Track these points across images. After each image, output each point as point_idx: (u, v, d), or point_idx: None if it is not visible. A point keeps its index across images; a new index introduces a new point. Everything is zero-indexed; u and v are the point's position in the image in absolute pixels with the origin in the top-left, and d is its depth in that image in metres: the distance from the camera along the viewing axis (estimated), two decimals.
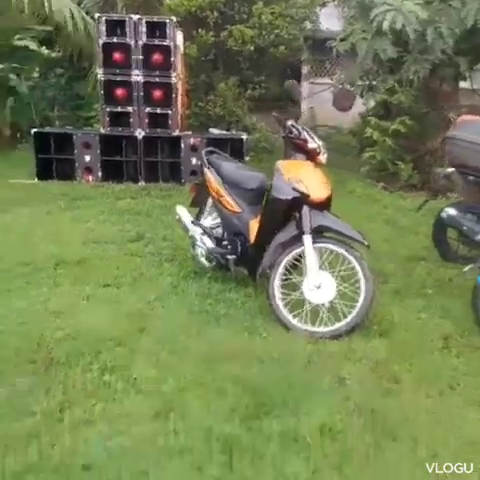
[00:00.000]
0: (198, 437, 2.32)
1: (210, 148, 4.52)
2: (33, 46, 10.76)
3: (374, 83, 7.50)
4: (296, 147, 3.59)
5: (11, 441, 2.27)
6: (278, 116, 3.82)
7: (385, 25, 5.56)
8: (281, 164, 3.62)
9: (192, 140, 7.34)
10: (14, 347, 2.95)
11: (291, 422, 2.43)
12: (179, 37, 7.45)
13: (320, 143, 3.57)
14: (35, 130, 7.61)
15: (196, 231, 4.17)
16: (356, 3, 6.24)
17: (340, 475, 2.17)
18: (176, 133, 7.39)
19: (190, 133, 7.60)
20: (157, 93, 7.39)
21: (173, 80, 7.34)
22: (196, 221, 4.24)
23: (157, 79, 7.35)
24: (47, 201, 6.20)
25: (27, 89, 10.94)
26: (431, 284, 4.12)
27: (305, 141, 3.53)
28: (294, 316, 3.37)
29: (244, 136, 7.39)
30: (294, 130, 3.58)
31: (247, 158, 7.37)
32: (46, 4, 8.50)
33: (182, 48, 7.68)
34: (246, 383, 2.69)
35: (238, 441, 2.30)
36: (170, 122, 7.38)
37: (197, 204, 4.41)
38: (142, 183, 7.27)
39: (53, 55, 11.15)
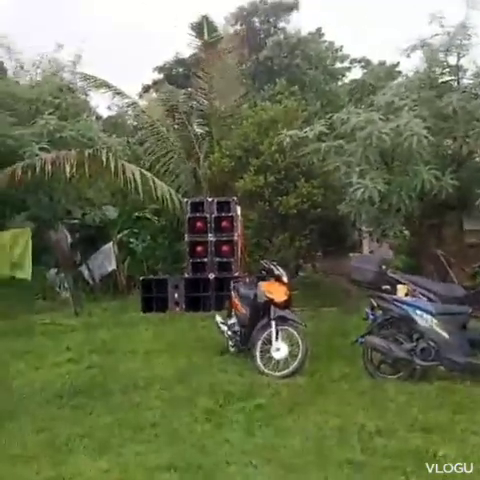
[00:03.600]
0: None
1: (238, 279, 7.89)
2: (147, 217, 15.29)
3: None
4: (269, 274, 6.84)
5: None
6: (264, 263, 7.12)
7: (358, 196, 8.91)
8: (262, 284, 6.85)
9: (247, 279, 10.74)
10: None
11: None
12: (238, 209, 11.30)
13: (282, 271, 6.79)
14: (142, 278, 11.53)
15: (225, 328, 7.38)
16: (343, 184, 9.72)
17: None
18: (237, 274, 10.85)
19: (246, 274, 11.03)
20: (224, 248, 11.10)
21: (235, 239, 11.05)
22: (225, 321, 7.47)
23: (224, 238, 11.10)
24: (148, 323, 9.76)
25: (141, 249, 15.24)
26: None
27: (272, 271, 6.79)
28: (265, 365, 6.34)
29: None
30: (266, 265, 6.87)
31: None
32: (154, 191, 12.86)
33: (240, 216, 11.46)
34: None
35: None
36: (233, 267, 10.94)
37: (228, 312, 7.68)
38: (213, 311, 10.62)
39: (161, 223, 15.57)
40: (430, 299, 6.12)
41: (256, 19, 24.82)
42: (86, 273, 13.54)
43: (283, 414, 5.20)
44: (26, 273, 10.89)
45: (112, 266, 13.68)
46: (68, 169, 10.70)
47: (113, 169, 11.34)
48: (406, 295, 6.17)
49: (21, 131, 11.54)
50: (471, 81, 10.25)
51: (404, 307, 6.00)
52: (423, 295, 6.16)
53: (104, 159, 11.22)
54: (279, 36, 23.39)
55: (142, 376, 6.52)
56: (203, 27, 14.52)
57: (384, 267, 6.40)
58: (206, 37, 14.69)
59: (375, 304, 6.24)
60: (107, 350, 7.84)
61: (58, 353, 7.73)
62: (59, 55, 15.14)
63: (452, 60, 10.27)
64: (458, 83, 10.33)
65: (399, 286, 6.21)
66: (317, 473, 4.08)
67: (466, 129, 9.75)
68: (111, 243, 13.97)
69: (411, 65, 12.86)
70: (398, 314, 6.05)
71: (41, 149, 11.29)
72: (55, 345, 8.25)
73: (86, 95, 15.71)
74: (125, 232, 14.78)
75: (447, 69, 10.37)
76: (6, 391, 6.27)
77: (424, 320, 5.90)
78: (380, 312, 6.23)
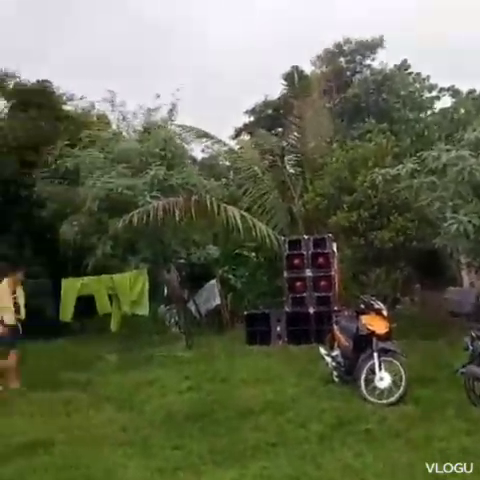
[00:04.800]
0: None
1: (338, 313, 8.48)
2: (246, 253, 16.22)
3: None
4: (368, 307, 7.40)
5: None
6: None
7: (453, 230, 9.27)
8: (363, 317, 7.41)
9: (346, 312, 11.24)
10: None
11: None
12: (334, 246, 11.91)
13: (381, 305, 7.33)
14: (246, 312, 12.37)
15: (329, 359, 7.97)
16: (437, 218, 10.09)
17: None
18: (335, 308, 11.38)
19: (344, 308, 11.52)
20: (322, 283, 11.71)
21: (332, 274, 11.64)
22: (328, 353, 8.06)
23: (321, 274, 11.73)
24: (254, 355, 10.52)
25: (240, 284, 16.13)
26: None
27: (372, 305, 7.34)
28: (369, 394, 6.86)
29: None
30: (366, 299, 7.44)
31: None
32: (253, 231, 13.74)
33: (336, 252, 12.05)
34: None
35: None
36: (331, 301, 11.50)
37: (330, 344, 8.27)
38: (314, 343, 11.16)
39: (259, 260, 16.43)
40: None
41: (342, 59, 25.66)
42: (193, 308, 14.59)
43: (391, 438, 5.70)
44: (144, 310, 12.13)
45: (216, 301, 14.67)
46: (177, 214, 11.86)
47: (216, 212, 12.37)
48: None
49: (135, 182, 12.91)
50: None
51: None
52: None
53: (208, 203, 12.29)
54: (365, 73, 24.06)
55: (256, 402, 7.23)
56: (294, 76, 15.51)
57: None
58: (296, 85, 15.66)
59: (474, 335, 6.60)
60: (221, 379, 8.66)
61: (179, 382, 8.63)
62: (157, 103, 16.70)
63: None
64: None
65: None
66: None
67: None
68: (214, 280, 14.99)
69: None
70: None
71: (152, 197, 12.58)
72: (175, 375, 9.17)
73: (187, 144, 17.06)
74: (225, 269, 15.80)
75: None
76: (141, 414, 7.24)
77: None
78: None
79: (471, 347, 6.62)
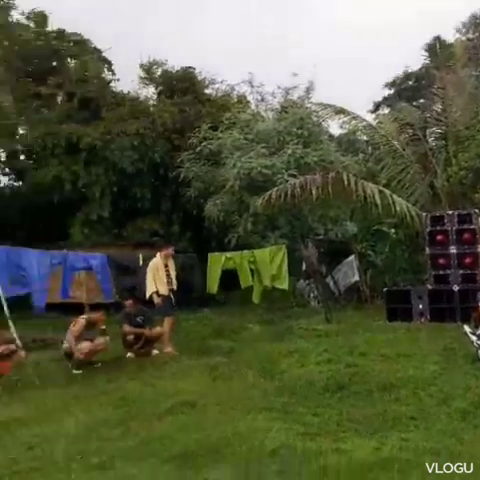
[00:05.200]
0: None
1: None
2: (385, 230, 15.85)
3: None
4: None
5: None
6: None
7: None
8: None
9: None
10: None
11: None
12: None
13: None
14: (386, 289, 12.18)
15: (474, 337, 7.65)
16: None
17: None
18: None
19: None
20: (467, 260, 11.14)
21: (478, 251, 11.01)
22: (473, 331, 7.73)
23: (467, 251, 11.15)
24: (395, 331, 10.31)
25: (380, 261, 15.84)
26: None
27: None
28: None
29: None
30: None
31: None
32: (392, 207, 13.38)
33: None
34: None
35: None
36: (477, 279, 10.91)
37: (476, 323, 7.92)
38: (458, 322, 10.67)
39: (398, 237, 15.96)
40: None
41: None
42: (331, 284, 14.68)
43: None
44: (284, 284, 12.49)
45: (355, 277, 14.58)
46: (314, 192, 11.95)
47: (354, 188, 12.24)
48: None
49: (273, 161, 13.22)
50: None
51: None
52: None
53: (345, 180, 12.20)
54: None
55: (396, 377, 7.17)
56: (436, 47, 14.70)
57: None
58: (439, 56, 14.80)
59: None
60: (360, 353, 8.67)
61: (318, 354, 8.78)
62: (294, 82, 16.80)
63: None
64: None
65: None
66: None
67: None
68: (353, 256, 14.89)
69: None
70: None
71: (290, 175, 12.80)
72: (314, 347, 9.33)
73: (323, 121, 16.97)
74: (364, 245, 15.60)
75: None
76: (281, 381, 7.55)
77: None
78: None
79: None
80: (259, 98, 18.02)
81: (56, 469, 4.89)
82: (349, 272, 14.53)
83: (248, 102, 18.75)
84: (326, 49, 39.70)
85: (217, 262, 12.89)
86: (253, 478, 4.56)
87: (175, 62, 18.68)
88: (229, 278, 13.20)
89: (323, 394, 6.82)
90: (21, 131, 19.05)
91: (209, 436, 5.44)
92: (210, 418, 6.04)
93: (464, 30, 24.01)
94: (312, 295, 13.96)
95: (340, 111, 15.64)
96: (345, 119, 16.43)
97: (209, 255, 13.19)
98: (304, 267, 14.10)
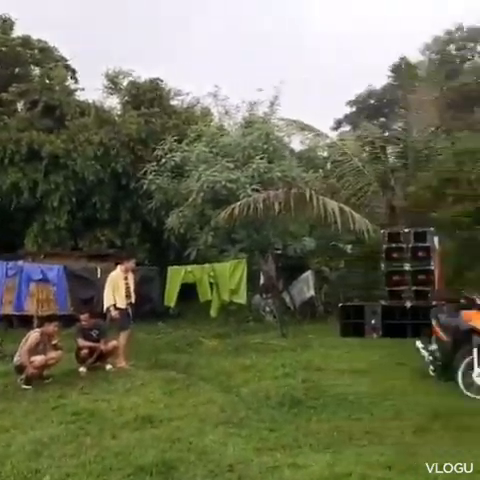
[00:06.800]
0: None
1: (437, 308, 8.36)
2: (342, 246, 16.19)
3: None
4: (470, 303, 7.25)
5: None
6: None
7: None
8: (464, 313, 7.28)
9: (445, 307, 10.95)
10: None
11: None
12: (435, 240, 11.64)
13: None
14: (341, 304, 12.42)
15: (426, 353, 7.90)
16: None
17: None
18: (434, 303, 11.13)
19: (444, 303, 11.22)
20: (421, 277, 11.52)
21: (432, 268, 11.40)
22: (426, 347, 7.98)
23: (421, 268, 11.52)
24: (348, 346, 10.57)
25: (335, 277, 16.14)
26: None
27: (474, 300, 7.20)
28: (467, 389, 6.76)
29: None
30: (468, 295, 7.30)
31: None
32: (351, 223, 13.68)
33: (438, 246, 11.76)
34: None
35: None
36: (430, 296, 11.27)
37: (428, 338, 8.18)
38: (409, 337, 10.97)
39: (354, 252, 16.32)
40: None
41: (452, 46, 24.63)
42: (288, 299, 14.85)
43: None
44: (242, 298, 12.59)
45: (310, 292, 14.83)
46: (277, 206, 12.13)
47: (314, 204, 12.47)
48: None
49: (237, 175, 13.37)
50: None
51: None
52: None
53: (307, 196, 12.43)
54: (476, 60, 22.94)
55: (351, 392, 7.34)
56: (401, 67, 15.23)
57: None
58: (403, 76, 15.33)
59: None
60: (316, 368, 8.85)
61: (275, 368, 8.90)
62: (259, 97, 17.03)
63: None
64: None
65: None
66: None
67: None
68: (309, 272, 15.14)
69: None
70: None
71: (253, 190, 12.96)
72: (270, 362, 9.46)
73: (288, 137, 17.28)
74: (320, 260, 15.90)
75: None
76: (237, 396, 7.59)
77: None
78: None
79: None
80: (223, 111, 18.19)
81: None
82: (305, 288, 14.78)
83: (212, 115, 18.91)
84: (292, 65, 40.28)
85: (177, 275, 12.89)
86: None
87: (142, 73, 18.66)
88: (185, 291, 13.21)
89: (279, 409, 6.90)
90: None
91: (165, 452, 5.41)
92: (166, 433, 6.00)
93: (427, 52, 24.92)
94: (268, 310, 14.11)
95: (304, 127, 15.97)
96: (309, 135, 16.78)
97: (169, 268, 13.18)
98: (262, 281, 14.24)
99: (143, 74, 18.50)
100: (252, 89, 18.04)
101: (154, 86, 17.92)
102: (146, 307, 12.42)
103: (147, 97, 17.51)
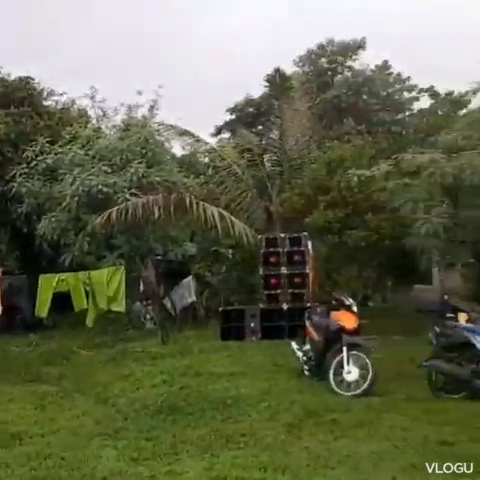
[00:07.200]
0: None
1: (311, 309, 8.73)
2: (223, 251, 16.38)
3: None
4: (340, 304, 7.66)
5: None
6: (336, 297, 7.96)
7: (424, 230, 9.60)
8: (334, 313, 7.67)
9: (318, 309, 11.49)
10: None
11: None
12: (309, 244, 12.18)
13: (352, 301, 7.60)
14: (221, 308, 12.57)
15: (300, 353, 8.21)
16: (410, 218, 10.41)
17: None
18: (308, 305, 11.64)
19: (317, 304, 11.78)
20: (296, 280, 11.98)
21: (306, 271, 11.91)
22: (300, 347, 8.30)
23: (296, 271, 11.99)
24: (228, 350, 10.72)
25: (217, 282, 16.32)
26: None
27: (343, 301, 7.61)
28: (338, 386, 7.12)
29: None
30: (337, 296, 7.70)
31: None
32: (231, 229, 13.93)
33: (311, 250, 12.33)
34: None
35: None
36: (305, 298, 11.77)
37: (303, 339, 8.51)
38: (287, 339, 11.39)
39: (235, 257, 16.61)
40: None
41: (324, 60, 26.02)
42: (169, 305, 14.74)
43: (356, 427, 5.95)
44: (121, 306, 12.27)
45: (192, 298, 14.86)
46: (156, 212, 12.02)
47: (195, 209, 12.54)
48: (467, 322, 6.80)
49: (115, 179, 13.05)
50: None
51: (464, 333, 6.65)
52: None
53: (187, 201, 12.47)
54: (346, 74, 24.43)
55: (229, 395, 7.43)
56: (276, 77, 15.79)
57: (446, 297, 7.07)
58: (278, 87, 15.93)
59: (438, 330, 6.90)
60: (195, 373, 8.85)
61: (153, 376, 8.79)
62: (138, 100, 16.81)
63: None
64: None
65: (460, 314, 6.86)
66: (385, 475, 4.80)
67: None
68: (190, 277, 15.16)
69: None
70: (459, 339, 6.69)
71: (132, 194, 12.73)
72: (149, 370, 9.34)
73: (168, 141, 17.20)
74: (202, 265, 15.99)
75: None
76: (114, 407, 7.38)
77: None
78: (443, 338, 6.88)
79: (435, 342, 6.92)
80: (101, 114, 17.69)
81: None
82: (186, 293, 14.79)
83: (89, 117, 18.31)
84: (177, 68, 40.20)
85: (49, 284, 12.26)
86: None
87: (13, 70, 17.56)
88: (60, 300, 12.63)
89: (157, 417, 6.82)
90: None
91: (35, 470, 5.16)
92: (36, 450, 5.69)
93: (300, 64, 26.11)
94: (148, 317, 13.93)
95: (184, 133, 16.04)
96: (189, 141, 16.87)
97: (40, 276, 12.48)
98: (142, 288, 14.02)
99: (14, 72, 17.48)
100: (132, 92, 17.77)
101: (24, 85, 16.98)
102: (15, 318, 11.67)
103: (17, 96, 16.54)
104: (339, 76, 25.10)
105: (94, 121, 17.95)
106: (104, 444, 5.89)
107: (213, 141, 22.90)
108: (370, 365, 7.06)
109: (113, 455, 5.55)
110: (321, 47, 25.87)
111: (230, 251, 16.20)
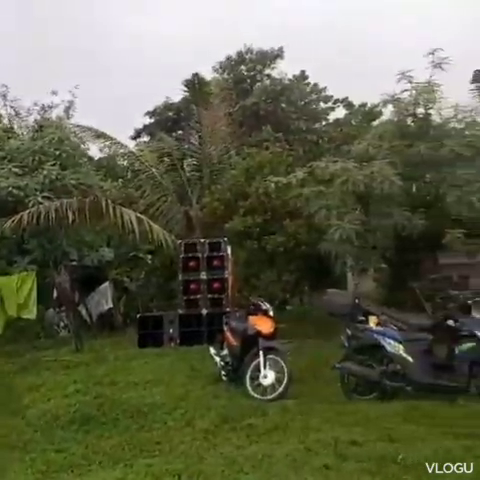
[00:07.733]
0: None
1: (229, 314, 8.78)
2: (141, 256, 16.16)
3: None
4: (257, 309, 7.76)
5: None
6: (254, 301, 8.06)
7: (337, 236, 9.92)
8: (251, 318, 7.75)
9: (237, 314, 11.59)
10: None
11: None
12: (229, 249, 12.27)
13: (268, 306, 7.72)
14: (139, 315, 12.37)
15: (218, 358, 8.23)
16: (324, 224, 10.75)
17: None
18: (227, 310, 11.70)
19: (236, 309, 11.88)
20: (215, 285, 12.01)
21: (225, 276, 11.97)
22: (218, 352, 8.32)
23: (215, 276, 12.02)
24: (145, 357, 10.56)
25: (135, 288, 16.08)
26: None
27: (260, 306, 7.71)
28: (254, 391, 7.19)
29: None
30: (254, 301, 7.80)
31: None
32: (149, 234, 13.76)
33: (231, 255, 12.42)
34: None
35: None
36: (224, 303, 11.82)
37: (221, 344, 8.54)
38: (206, 344, 11.38)
39: (154, 263, 16.44)
40: (400, 328, 7.04)
41: (243, 67, 26.35)
42: (84, 312, 14.33)
43: (270, 431, 6.03)
44: (31, 313, 11.76)
45: (108, 304, 14.52)
46: (70, 216, 11.66)
47: (111, 214, 12.28)
48: (377, 325, 7.09)
49: (26, 181, 12.52)
50: (437, 132, 11.28)
51: (374, 335, 6.93)
52: (394, 325, 7.09)
53: (103, 205, 12.18)
54: (265, 82, 24.87)
55: (144, 403, 7.31)
56: (195, 82, 15.81)
57: (357, 300, 7.34)
58: (197, 92, 15.96)
59: (350, 333, 7.15)
60: (110, 382, 8.65)
61: (66, 386, 8.49)
62: (53, 101, 16.28)
63: (420, 112, 11.43)
64: (426, 133, 11.37)
65: (371, 317, 7.14)
66: (298, 477, 4.91)
67: (433, 175, 10.85)
68: (107, 283, 14.82)
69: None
70: (369, 341, 6.96)
71: (44, 197, 12.26)
72: (62, 379, 9.04)
73: (83, 144, 16.74)
74: (119, 271, 15.69)
75: (415, 120, 11.49)
76: (22, 419, 7.08)
77: (392, 346, 6.83)
78: (354, 340, 7.13)
79: (347, 345, 7.16)
80: (13, 113, 16.93)
81: None
82: (102, 300, 14.44)
83: (0, 116, 17.49)
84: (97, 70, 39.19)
85: None
86: None
87: None
88: None
89: (69, 428, 6.63)
90: None
91: None
92: None
93: (220, 70, 26.28)
94: (62, 324, 13.46)
95: (100, 135, 15.68)
96: (106, 143, 16.51)
97: None
98: (55, 295, 13.53)
99: None
100: (48, 92, 17.12)
101: None
102: None
103: None
104: (258, 84, 25.50)
105: (6, 121, 17.17)
106: (12, 457, 5.69)
107: (132, 144, 22.58)
108: (286, 368, 7.19)
109: (21, 469, 5.36)
110: (240, 55, 26.21)
111: (149, 256, 16.04)
